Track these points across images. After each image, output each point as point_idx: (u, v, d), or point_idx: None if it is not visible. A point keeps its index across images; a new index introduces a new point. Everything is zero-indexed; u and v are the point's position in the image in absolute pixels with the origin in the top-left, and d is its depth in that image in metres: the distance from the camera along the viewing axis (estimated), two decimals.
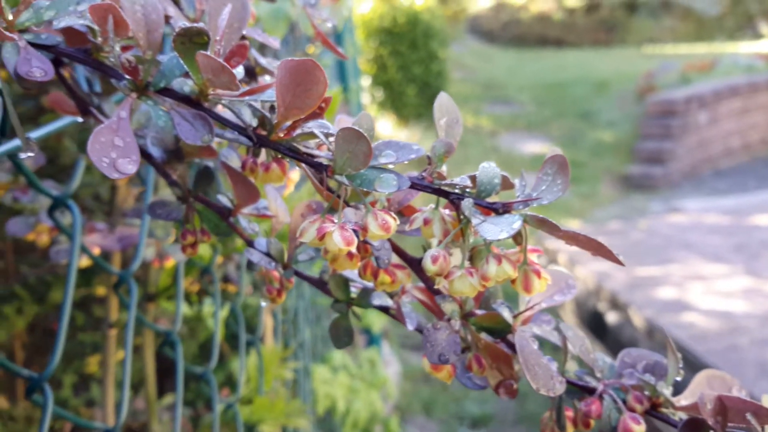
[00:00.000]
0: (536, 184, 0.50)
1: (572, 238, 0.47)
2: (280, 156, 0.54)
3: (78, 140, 0.68)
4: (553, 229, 0.46)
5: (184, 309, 1.98)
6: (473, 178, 0.51)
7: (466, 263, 0.51)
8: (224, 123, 0.53)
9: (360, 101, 5.32)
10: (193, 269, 1.73)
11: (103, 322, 1.56)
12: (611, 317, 5.00)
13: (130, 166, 0.48)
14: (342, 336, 0.66)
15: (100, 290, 2.10)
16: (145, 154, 0.68)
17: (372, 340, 4.14)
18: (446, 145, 0.51)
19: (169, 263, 1.36)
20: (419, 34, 10.50)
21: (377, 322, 4.06)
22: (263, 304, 0.69)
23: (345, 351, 3.65)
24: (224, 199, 0.68)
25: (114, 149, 0.48)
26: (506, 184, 0.52)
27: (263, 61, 0.65)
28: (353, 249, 0.49)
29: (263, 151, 0.60)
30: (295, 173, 1.15)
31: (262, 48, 0.93)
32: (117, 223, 1.30)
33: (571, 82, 11.91)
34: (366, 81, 9.88)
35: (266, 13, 0.96)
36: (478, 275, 0.51)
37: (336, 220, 0.51)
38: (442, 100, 0.55)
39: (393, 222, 0.50)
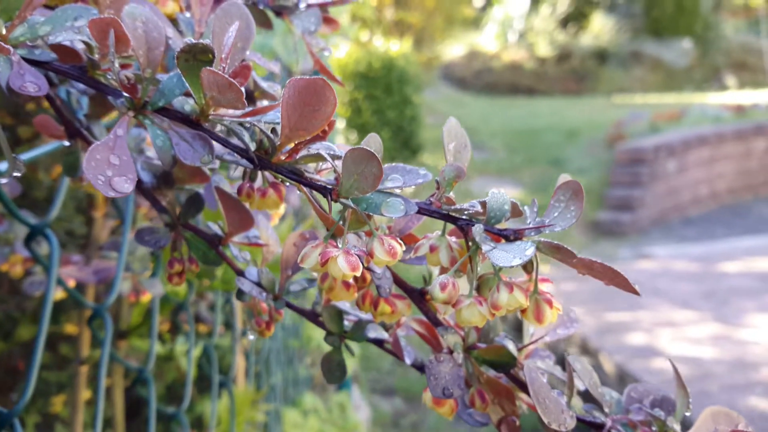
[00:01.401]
0: (549, 211, 0.49)
1: (587, 266, 0.46)
2: (279, 180, 0.52)
3: (65, 164, 0.65)
4: (568, 256, 0.45)
5: (157, 348, 1.93)
6: (483, 204, 0.50)
7: (473, 293, 0.50)
8: (225, 144, 0.51)
9: (335, 143, 5.32)
10: (167, 306, 1.68)
11: (72, 360, 1.51)
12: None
13: (126, 184, 0.46)
14: (335, 370, 0.63)
15: (69, 328, 2.04)
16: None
17: (342, 384, 4.09)
18: (456, 169, 0.50)
19: (145, 298, 1.32)
20: (394, 79, 10.61)
21: (348, 364, 3.99)
22: (251, 337, 0.67)
23: (315, 394, 3.59)
24: (214, 227, 0.66)
25: (110, 167, 0.46)
26: (515, 212, 0.50)
27: (264, 84, 0.63)
28: (358, 274, 0.47)
29: (259, 177, 0.59)
30: (280, 207, 1.13)
31: None
32: (93, 256, 1.27)
33: (543, 130, 12.07)
34: (341, 124, 9.93)
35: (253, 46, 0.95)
36: (488, 304, 0.49)
37: (340, 245, 0.49)
38: (451, 125, 0.54)
39: (399, 248, 0.49)
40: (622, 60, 16.37)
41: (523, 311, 0.51)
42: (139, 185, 0.66)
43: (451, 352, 0.54)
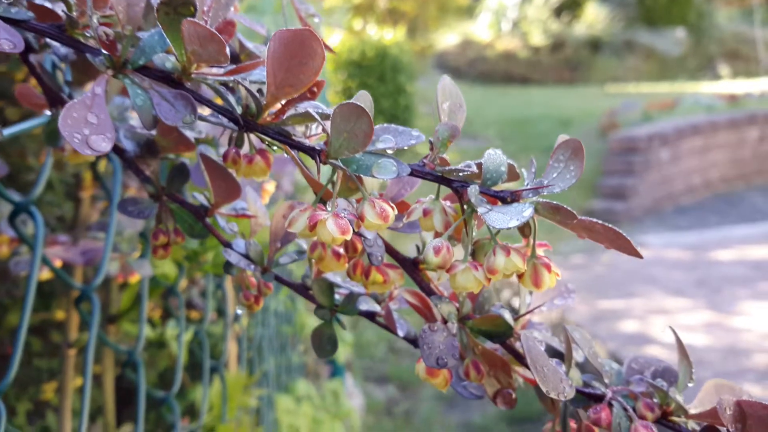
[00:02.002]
0: (547, 171, 0.47)
1: (588, 228, 0.44)
2: (266, 143, 0.50)
3: (45, 132, 0.63)
4: (568, 218, 0.43)
5: (147, 331, 1.91)
6: (479, 166, 0.48)
7: (469, 258, 0.48)
8: (208, 105, 0.48)
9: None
10: (157, 289, 1.66)
11: (62, 345, 1.48)
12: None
13: (104, 143, 0.43)
14: (325, 344, 0.61)
15: (59, 314, 2.02)
16: (117, 149, 0.64)
17: (336, 371, 4.07)
18: (450, 128, 0.48)
19: (134, 279, 1.30)
20: (387, 67, 10.57)
21: (342, 352, 4.00)
22: (239, 312, 0.64)
23: (308, 381, 3.58)
24: (201, 198, 0.63)
25: (87, 126, 0.44)
26: (512, 175, 0.48)
27: (250, 45, 0.61)
28: (347, 237, 0.45)
29: (246, 143, 0.56)
30: (270, 185, 1.11)
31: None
32: (81, 237, 1.24)
33: (536, 119, 12.04)
34: None
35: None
36: (484, 268, 0.47)
37: (329, 209, 0.47)
38: (445, 83, 0.51)
39: (392, 211, 0.46)
40: (616, 49, 16.35)
41: (521, 276, 0.49)
42: (122, 155, 0.63)
43: (445, 321, 0.52)
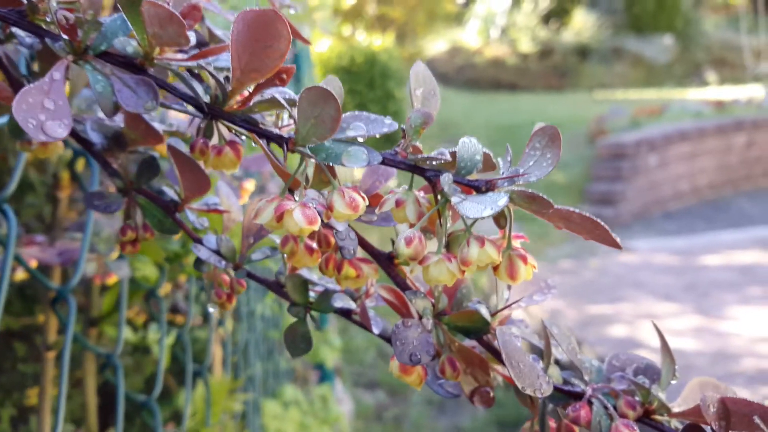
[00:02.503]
0: (523, 159, 0.45)
1: (564, 218, 0.42)
2: (234, 131, 0.48)
3: (9, 125, 0.61)
4: (544, 207, 0.41)
5: (129, 335, 1.88)
6: (453, 155, 0.46)
7: (442, 250, 0.46)
8: (171, 91, 0.47)
9: None
10: (138, 292, 1.63)
11: (40, 348, 1.46)
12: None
13: (60, 129, 0.41)
14: (299, 342, 0.59)
15: (43, 319, 1.99)
16: (84, 141, 0.62)
17: (324, 377, 4.04)
18: (423, 115, 0.46)
19: (112, 280, 1.28)
20: (377, 73, 10.57)
21: (330, 357, 3.97)
22: (211, 310, 0.62)
23: (297, 387, 3.55)
24: (170, 192, 0.61)
25: (43, 111, 0.42)
26: (488, 164, 0.47)
27: (219, 32, 0.59)
28: (315, 228, 0.43)
29: (216, 135, 0.54)
30: (250, 183, 1.09)
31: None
32: (58, 237, 1.22)
33: (524, 125, 12.05)
34: None
35: None
36: (458, 260, 0.45)
37: (297, 198, 0.45)
38: (419, 68, 0.50)
39: (362, 201, 0.45)
40: (604, 56, 16.40)
41: (496, 268, 0.47)
42: (90, 147, 0.61)
43: (420, 317, 0.50)
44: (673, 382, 0.49)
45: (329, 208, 0.45)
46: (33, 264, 1.18)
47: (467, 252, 0.44)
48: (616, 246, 0.42)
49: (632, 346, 4.75)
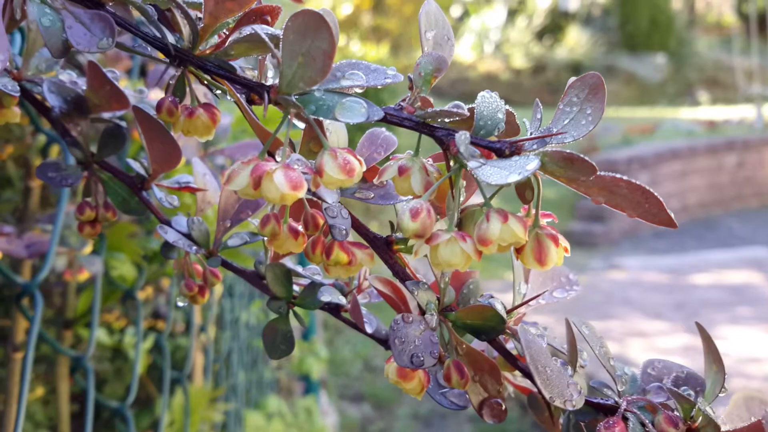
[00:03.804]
0: (557, 117, 0.37)
1: (608, 188, 0.34)
2: (207, 81, 0.40)
3: None
4: (585, 171, 0.33)
5: (104, 338, 1.79)
6: (470, 111, 0.38)
7: (454, 228, 0.38)
8: (131, 29, 0.39)
9: None
10: (115, 293, 1.55)
11: (6, 348, 1.37)
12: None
13: None
14: (279, 343, 0.51)
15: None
16: (40, 105, 0.54)
17: (310, 388, 3.95)
18: (436, 59, 0.38)
19: (83, 276, 1.19)
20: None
21: (316, 368, 3.89)
22: (180, 304, 0.54)
23: (281, 398, 3.47)
24: (136, 165, 0.53)
25: None
26: (512, 126, 0.39)
27: None
28: (300, 194, 0.35)
29: (188, 95, 0.47)
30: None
31: None
32: (28, 229, 1.13)
33: None
34: None
35: None
36: (475, 238, 0.37)
37: (278, 159, 0.37)
38: (430, 8, 0.42)
39: (357, 164, 0.37)
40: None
41: (520, 250, 0.39)
42: (47, 112, 0.53)
43: (422, 313, 0.42)
44: (722, 395, 0.41)
45: (318, 172, 0.36)
46: None
47: (487, 228, 0.36)
48: (671, 225, 0.35)
49: (621, 364, 4.68)
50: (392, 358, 0.41)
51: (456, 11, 19.61)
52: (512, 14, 18.78)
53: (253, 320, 2.98)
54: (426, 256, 0.38)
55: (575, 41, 17.36)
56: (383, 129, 0.49)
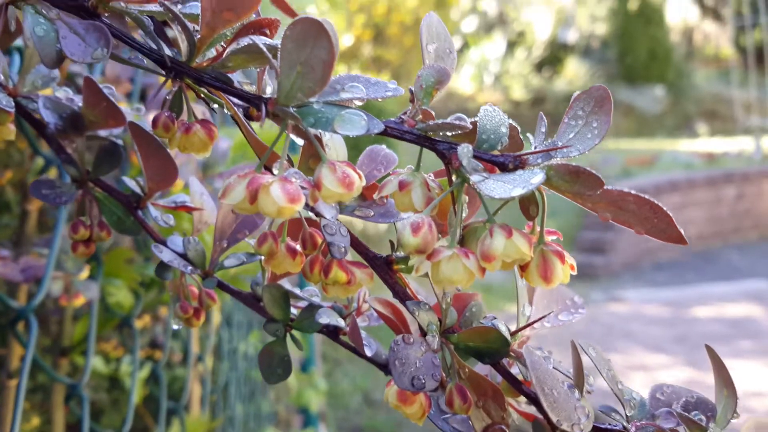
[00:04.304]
0: (561, 131, 0.36)
1: (615, 203, 0.33)
2: (203, 95, 0.40)
3: None
4: (591, 186, 0.32)
5: (100, 366, 1.77)
6: (473, 125, 0.37)
7: (456, 245, 0.37)
8: (127, 41, 0.38)
9: None
10: (112, 321, 1.53)
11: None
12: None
13: None
14: (275, 366, 0.50)
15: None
16: (35, 122, 0.53)
17: (308, 421, 3.90)
18: (438, 72, 0.37)
19: (79, 301, 1.18)
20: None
21: (315, 401, 3.85)
22: (175, 327, 0.53)
23: (279, 431, 3.43)
24: (132, 184, 0.52)
25: None
26: (515, 141, 0.38)
27: None
28: (298, 207, 0.34)
29: (185, 111, 0.46)
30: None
31: None
32: (25, 253, 1.12)
33: None
34: None
35: None
36: (478, 254, 0.36)
37: (275, 172, 0.36)
38: (432, 20, 0.41)
39: (357, 178, 0.36)
40: None
41: (524, 268, 0.37)
42: (42, 129, 0.53)
43: (424, 334, 0.41)
44: (734, 420, 0.40)
45: (316, 185, 0.35)
46: None
47: (490, 243, 0.35)
48: (681, 241, 0.34)
49: None
50: (392, 382, 0.40)
51: (456, 43, 19.77)
52: (512, 46, 18.95)
53: (251, 351, 2.95)
54: (427, 274, 0.37)
55: (574, 73, 17.48)
56: (383, 146, 0.48)
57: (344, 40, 11.70)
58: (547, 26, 19.28)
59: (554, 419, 0.35)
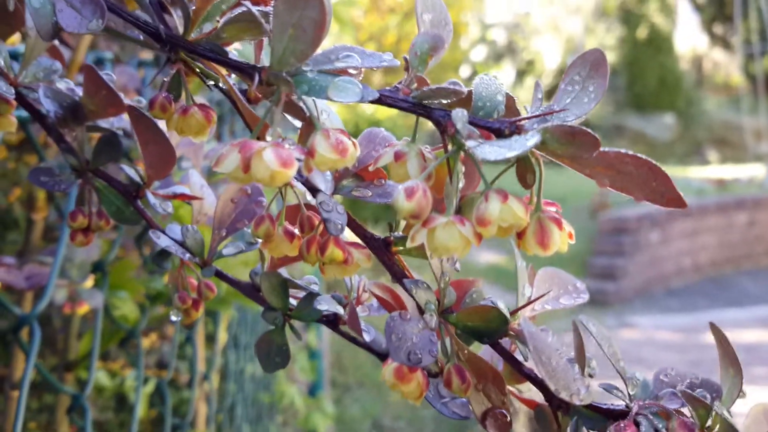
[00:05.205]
0: (558, 96, 0.36)
1: (612, 165, 0.32)
2: (199, 69, 0.39)
3: None
4: (587, 147, 0.31)
5: (105, 381, 1.76)
6: (468, 94, 0.37)
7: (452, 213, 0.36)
8: (122, 15, 0.38)
9: None
10: (118, 334, 1.52)
11: (3, 385, 1.34)
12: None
13: None
14: (273, 355, 0.49)
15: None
16: (35, 112, 0.53)
17: None
18: (432, 38, 0.37)
19: (82, 309, 1.17)
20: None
21: (323, 425, 3.82)
22: (174, 318, 0.52)
23: None
24: (131, 172, 0.52)
25: None
26: (511, 110, 0.37)
27: None
28: (291, 172, 0.33)
29: (182, 97, 0.46)
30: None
31: None
32: (29, 261, 1.12)
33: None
34: None
35: None
36: (474, 220, 0.35)
37: (268, 139, 0.35)
38: None
39: (351, 145, 0.35)
40: (606, 132, 16.51)
41: (521, 235, 0.37)
42: (42, 119, 0.53)
43: (421, 312, 0.40)
44: (740, 400, 0.39)
45: (310, 152, 0.35)
46: None
47: (486, 208, 0.34)
48: (681, 204, 0.33)
49: None
50: (389, 360, 0.39)
51: (465, 71, 19.92)
52: (521, 74, 19.07)
53: (259, 372, 2.94)
54: (423, 247, 0.36)
55: None
56: (382, 128, 0.47)
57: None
58: (556, 55, 19.39)
59: (552, 387, 0.34)
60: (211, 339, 2.14)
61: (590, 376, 0.41)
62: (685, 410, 0.38)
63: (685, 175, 13.36)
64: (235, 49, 0.46)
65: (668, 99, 16.58)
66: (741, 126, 15.47)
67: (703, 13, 20.25)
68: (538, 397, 0.43)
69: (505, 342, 0.43)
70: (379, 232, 0.46)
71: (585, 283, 0.38)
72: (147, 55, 1.40)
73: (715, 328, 0.39)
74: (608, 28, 18.37)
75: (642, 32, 17.25)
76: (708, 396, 0.38)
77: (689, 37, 21.12)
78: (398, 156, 0.39)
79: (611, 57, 18.14)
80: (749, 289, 9.21)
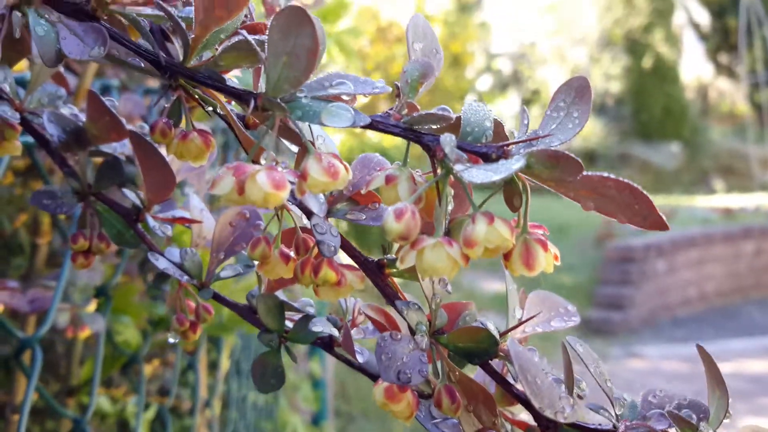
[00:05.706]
0: (544, 122, 0.37)
1: (596, 189, 0.33)
2: (198, 96, 0.41)
3: None
4: (571, 171, 0.32)
5: (106, 406, 1.76)
6: (457, 119, 0.38)
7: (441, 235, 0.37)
8: (123, 42, 0.39)
9: None
10: (120, 359, 1.52)
11: (5, 409, 1.34)
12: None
13: None
14: (269, 377, 0.50)
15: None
16: (40, 137, 0.54)
17: None
18: (422, 65, 0.38)
19: (84, 333, 1.18)
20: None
21: None
22: (171, 340, 0.53)
23: None
24: (131, 195, 0.53)
25: None
26: (500, 136, 0.38)
27: None
28: (284, 195, 0.34)
29: (183, 120, 0.47)
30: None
31: None
32: (33, 285, 1.13)
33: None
34: None
35: None
36: (461, 242, 0.36)
37: (263, 162, 0.37)
38: (418, 20, 0.42)
39: (343, 169, 0.36)
40: (611, 161, 16.54)
41: (507, 256, 0.38)
42: (46, 144, 0.54)
43: (413, 333, 0.41)
44: (726, 421, 0.39)
45: (303, 175, 0.36)
46: None
47: (472, 230, 0.35)
48: (663, 227, 0.34)
49: None
50: (380, 380, 0.40)
51: (471, 99, 19.99)
52: (526, 103, 19.15)
53: (261, 400, 2.93)
54: (414, 269, 0.37)
55: (589, 130, 17.56)
56: (376, 154, 0.49)
57: (361, 98, 11.89)
58: None
59: (536, 405, 0.35)
60: (213, 366, 2.14)
61: (579, 397, 0.41)
62: (672, 431, 0.39)
63: (692, 204, 13.35)
64: (236, 76, 0.48)
65: (674, 128, 16.61)
66: (747, 155, 15.48)
67: (708, 43, 20.36)
68: (529, 419, 0.43)
69: (497, 364, 0.44)
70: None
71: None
72: (154, 83, 1.43)
73: (702, 350, 0.40)
74: (614, 58, 18.46)
75: (647, 61, 17.33)
76: (694, 417, 0.39)
77: (694, 67, 21.24)
78: (389, 179, 0.40)
79: (617, 86, 18.22)
80: (757, 319, 9.16)
